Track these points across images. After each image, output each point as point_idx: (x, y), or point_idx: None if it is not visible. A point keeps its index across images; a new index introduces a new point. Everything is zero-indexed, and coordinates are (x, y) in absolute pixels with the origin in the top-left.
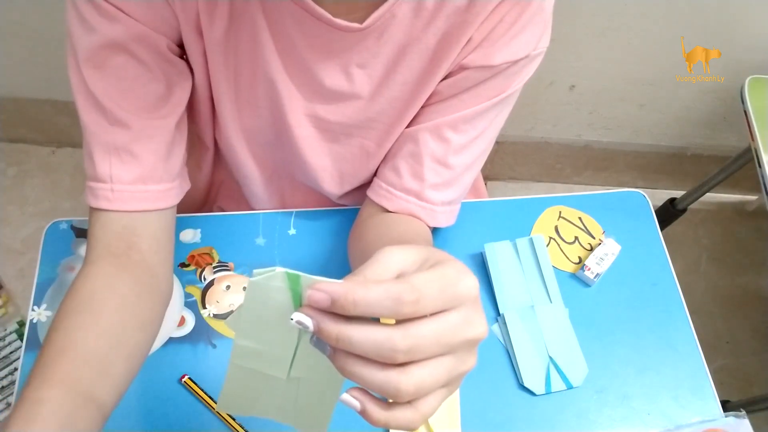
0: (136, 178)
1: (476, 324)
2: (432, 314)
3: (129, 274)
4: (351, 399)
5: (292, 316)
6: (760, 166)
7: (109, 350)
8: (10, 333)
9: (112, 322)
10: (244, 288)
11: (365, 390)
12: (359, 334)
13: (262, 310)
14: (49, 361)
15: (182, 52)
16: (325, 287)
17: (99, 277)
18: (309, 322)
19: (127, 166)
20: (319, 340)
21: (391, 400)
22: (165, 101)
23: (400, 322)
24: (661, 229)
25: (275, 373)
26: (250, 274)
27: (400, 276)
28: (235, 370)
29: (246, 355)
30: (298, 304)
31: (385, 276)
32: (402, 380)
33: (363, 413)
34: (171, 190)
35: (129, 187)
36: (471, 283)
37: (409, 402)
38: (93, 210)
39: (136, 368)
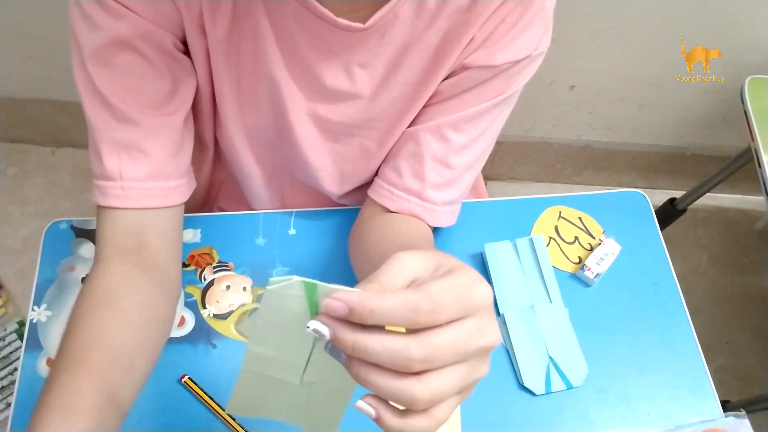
0: (147, 174)
1: (490, 332)
2: (447, 323)
3: (143, 272)
4: (366, 406)
5: (308, 325)
6: (760, 166)
7: (134, 346)
8: (10, 333)
9: (135, 319)
10: (244, 288)
11: (379, 397)
12: (375, 343)
13: (278, 317)
14: (79, 353)
15: (186, 50)
16: (341, 296)
17: (116, 275)
18: (325, 331)
19: (137, 163)
20: (334, 347)
21: (404, 408)
22: (171, 98)
23: (414, 330)
24: (661, 229)
25: (288, 378)
26: (251, 275)
27: (413, 283)
28: (247, 375)
29: (259, 361)
30: (314, 311)
31: (399, 283)
32: (417, 389)
33: (377, 420)
34: (180, 187)
35: (139, 184)
36: (485, 291)
37: (423, 410)
38: (102, 208)
39: (153, 365)
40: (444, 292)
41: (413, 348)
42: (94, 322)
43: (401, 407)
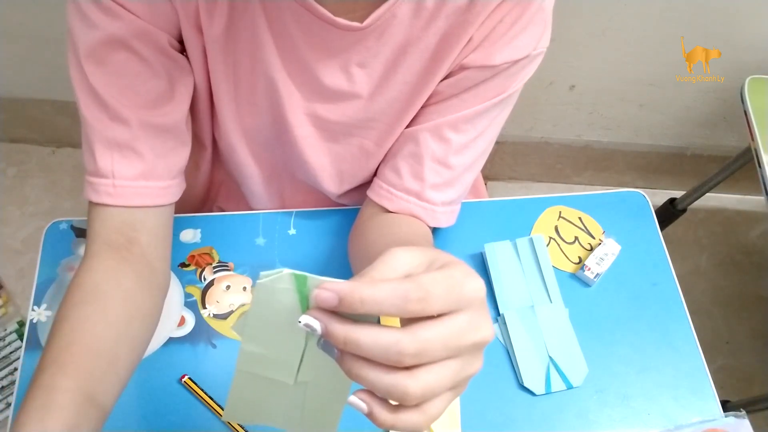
0: (138, 174)
1: (483, 327)
2: (439, 316)
3: (130, 267)
4: (358, 401)
5: (299, 319)
6: (760, 166)
7: (116, 342)
8: (10, 333)
9: (118, 314)
10: (244, 288)
11: (372, 392)
12: (367, 337)
13: (269, 313)
14: (61, 351)
15: (183, 48)
16: (331, 286)
17: (101, 270)
18: (317, 325)
19: (129, 162)
20: (326, 343)
21: (397, 403)
22: (167, 98)
23: (407, 324)
24: (661, 229)
25: (282, 378)
26: (251, 275)
27: (407, 277)
28: (241, 377)
29: (252, 360)
30: (306, 305)
31: (391, 276)
32: (409, 384)
33: (370, 415)
34: (170, 187)
35: (131, 183)
36: (478, 285)
37: (415, 405)
38: (93, 205)
39: (137, 361)
40: (435, 283)
41: (405, 342)
42: (76, 319)
43: (394, 402)
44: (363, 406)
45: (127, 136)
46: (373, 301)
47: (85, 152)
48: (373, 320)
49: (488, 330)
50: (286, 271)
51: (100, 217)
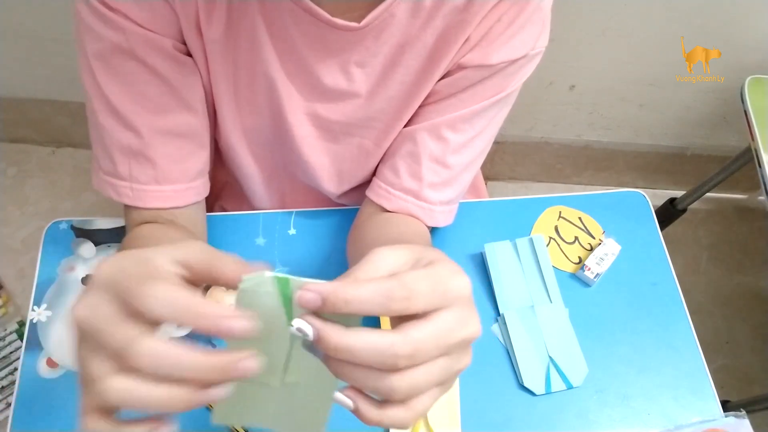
0: (151, 179)
1: (470, 324)
2: (426, 315)
3: (173, 227)
4: (344, 398)
5: (292, 323)
6: (760, 166)
7: None
8: (10, 333)
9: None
10: None
11: (358, 389)
12: (360, 343)
13: (253, 316)
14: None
15: (188, 50)
16: (315, 287)
17: (148, 230)
18: (309, 331)
19: (143, 168)
20: (312, 343)
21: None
22: (178, 103)
23: (396, 325)
24: (661, 229)
25: (269, 381)
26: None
27: (391, 276)
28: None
29: None
30: (289, 308)
31: (376, 276)
32: (395, 380)
33: (356, 412)
34: (189, 189)
35: (146, 187)
36: (463, 282)
37: (402, 401)
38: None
39: None
40: (419, 281)
41: (398, 345)
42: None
43: (380, 398)
44: (349, 402)
45: (139, 144)
46: (356, 300)
47: (100, 154)
48: (358, 320)
49: (476, 326)
50: (268, 274)
51: (130, 213)
